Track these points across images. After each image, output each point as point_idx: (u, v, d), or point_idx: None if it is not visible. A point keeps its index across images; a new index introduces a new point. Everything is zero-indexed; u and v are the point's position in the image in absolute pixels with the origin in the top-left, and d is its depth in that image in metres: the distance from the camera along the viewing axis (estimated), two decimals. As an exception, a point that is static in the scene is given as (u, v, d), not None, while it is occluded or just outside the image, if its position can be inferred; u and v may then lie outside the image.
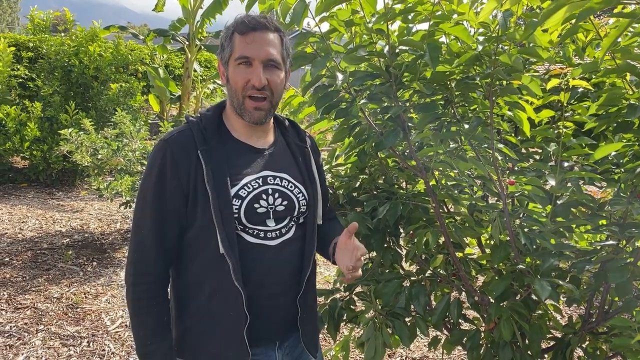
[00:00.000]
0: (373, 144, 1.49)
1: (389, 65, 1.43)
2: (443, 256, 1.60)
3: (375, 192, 1.74)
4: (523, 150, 1.69)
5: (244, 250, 1.15)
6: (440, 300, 1.63)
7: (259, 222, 1.18)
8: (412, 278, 1.71)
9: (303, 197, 1.25)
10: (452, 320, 1.64)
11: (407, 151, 1.63)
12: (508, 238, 1.40)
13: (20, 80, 6.69)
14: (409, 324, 1.65)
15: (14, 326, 3.03)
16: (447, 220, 1.58)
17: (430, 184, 1.49)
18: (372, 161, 1.79)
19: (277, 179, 1.22)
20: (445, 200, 1.69)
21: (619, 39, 1.15)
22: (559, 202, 1.43)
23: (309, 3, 1.36)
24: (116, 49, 6.83)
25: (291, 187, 1.24)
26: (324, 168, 1.82)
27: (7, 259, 4.08)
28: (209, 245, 1.13)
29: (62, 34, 6.97)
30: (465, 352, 1.60)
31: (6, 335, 2.93)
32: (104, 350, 2.85)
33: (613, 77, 1.49)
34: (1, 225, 4.93)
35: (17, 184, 6.70)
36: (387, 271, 1.72)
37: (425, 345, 2.95)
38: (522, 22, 1.42)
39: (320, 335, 2.64)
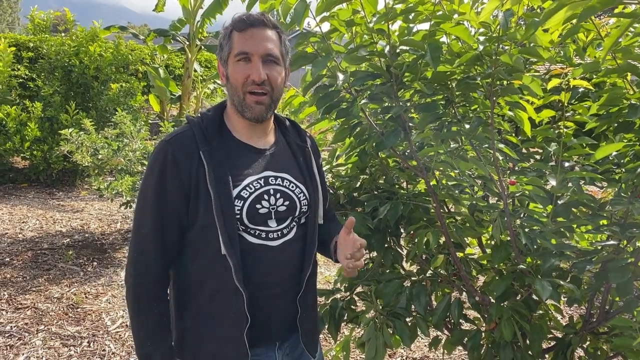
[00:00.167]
0: (374, 144, 1.49)
1: (389, 65, 1.43)
2: (444, 256, 1.60)
3: (376, 192, 1.74)
4: (524, 150, 1.69)
5: (245, 250, 1.15)
6: (441, 300, 1.63)
7: (261, 223, 1.18)
8: (413, 278, 1.71)
9: (304, 197, 1.25)
10: (452, 321, 1.64)
11: (408, 151, 1.63)
12: (509, 238, 1.40)
13: (21, 80, 6.69)
14: (409, 324, 1.65)
15: (14, 326, 3.03)
16: (447, 220, 1.58)
17: (431, 184, 1.49)
18: (372, 161, 1.79)
19: (279, 179, 1.22)
20: (446, 200, 1.69)
21: (620, 39, 1.15)
22: (559, 202, 1.43)
23: (310, 3, 1.36)
24: (116, 49, 6.83)
25: (292, 187, 1.24)
26: (325, 168, 1.82)
27: (7, 259, 4.08)
28: (210, 245, 1.13)
29: (63, 34, 6.98)
30: (466, 352, 1.60)
31: (7, 335, 2.93)
32: (104, 350, 2.85)
33: (614, 77, 1.49)
34: (1, 226, 4.94)
35: (17, 184, 6.71)
36: (387, 271, 1.72)
37: (426, 346, 2.95)
38: (522, 22, 1.42)
39: (321, 336, 2.65)
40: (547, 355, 1.63)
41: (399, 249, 1.76)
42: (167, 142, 1.15)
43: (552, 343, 1.65)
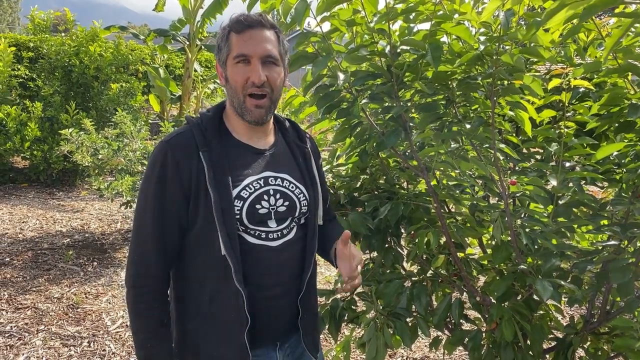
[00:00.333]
0: (374, 144, 1.48)
1: (390, 65, 1.43)
2: (444, 256, 1.60)
3: (376, 192, 1.74)
4: (524, 150, 1.69)
5: (245, 251, 1.15)
6: (442, 300, 1.63)
7: (261, 223, 1.18)
8: (414, 278, 1.71)
9: (304, 198, 1.25)
10: (453, 321, 1.64)
11: (409, 151, 1.63)
12: (509, 238, 1.40)
13: (21, 80, 6.69)
14: (410, 324, 1.65)
15: (14, 326, 3.03)
16: (448, 221, 1.57)
17: (432, 184, 1.49)
18: (373, 161, 1.79)
19: (278, 179, 1.22)
20: (447, 200, 1.69)
21: (622, 39, 1.15)
22: (560, 202, 1.43)
23: (310, 3, 1.36)
24: (117, 49, 6.83)
25: (292, 187, 1.23)
26: (325, 168, 1.82)
27: (7, 259, 4.08)
28: (210, 246, 1.13)
29: (63, 34, 6.98)
30: (467, 353, 1.60)
31: (7, 335, 2.93)
32: (104, 350, 2.85)
33: (615, 77, 1.48)
34: (2, 225, 4.93)
35: (17, 184, 6.71)
36: (388, 271, 1.71)
37: (426, 346, 2.95)
38: (523, 22, 1.41)
39: (321, 336, 2.64)
40: (547, 356, 1.62)
41: (399, 249, 1.76)
42: (166, 143, 1.15)
43: (553, 343, 1.65)
